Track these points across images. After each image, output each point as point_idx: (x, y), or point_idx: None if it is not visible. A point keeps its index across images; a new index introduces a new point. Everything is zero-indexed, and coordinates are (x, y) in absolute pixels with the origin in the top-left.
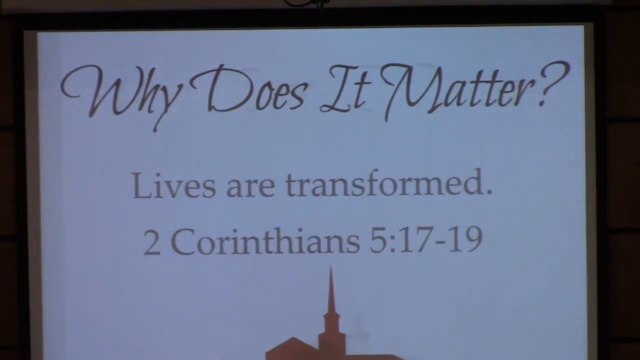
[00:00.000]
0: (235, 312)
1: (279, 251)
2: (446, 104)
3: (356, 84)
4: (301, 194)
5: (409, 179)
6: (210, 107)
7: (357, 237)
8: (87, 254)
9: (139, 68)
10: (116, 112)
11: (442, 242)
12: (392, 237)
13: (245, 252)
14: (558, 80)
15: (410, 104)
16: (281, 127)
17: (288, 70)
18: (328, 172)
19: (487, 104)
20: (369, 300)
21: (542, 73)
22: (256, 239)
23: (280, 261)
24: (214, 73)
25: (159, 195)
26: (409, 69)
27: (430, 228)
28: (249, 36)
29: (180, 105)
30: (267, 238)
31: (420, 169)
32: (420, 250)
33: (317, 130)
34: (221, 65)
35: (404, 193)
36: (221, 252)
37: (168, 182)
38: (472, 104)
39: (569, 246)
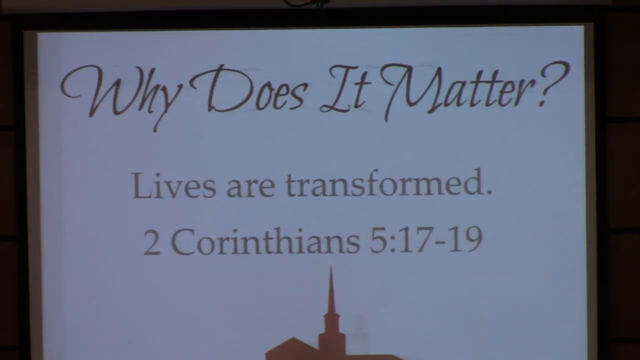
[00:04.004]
0: (235, 312)
1: (279, 251)
2: (446, 104)
3: (356, 84)
4: (301, 194)
5: (409, 179)
6: (210, 107)
7: (357, 237)
8: (87, 254)
9: (139, 68)
10: (116, 112)
11: (442, 242)
12: (392, 237)
13: (245, 252)
14: (558, 80)
15: (410, 104)
16: (281, 127)
17: (288, 70)
18: (328, 172)
19: (487, 104)
20: (369, 300)
21: (542, 73)
22: (256, 239)
23: (280, 261)
24: (214, 73)
25: (159, 196)
26: (409, 69)
27: (430, 228)
28: (249, 36)
29: (180, 105)
30: (267, 238)
31: (420, 169)
32: (420, 250)
33: (317, 130)
34: (221, 66)
35: (404, 193)
36: (221, 252)
37: (168, 182)
38: (472, 104)
39: (569, 246)
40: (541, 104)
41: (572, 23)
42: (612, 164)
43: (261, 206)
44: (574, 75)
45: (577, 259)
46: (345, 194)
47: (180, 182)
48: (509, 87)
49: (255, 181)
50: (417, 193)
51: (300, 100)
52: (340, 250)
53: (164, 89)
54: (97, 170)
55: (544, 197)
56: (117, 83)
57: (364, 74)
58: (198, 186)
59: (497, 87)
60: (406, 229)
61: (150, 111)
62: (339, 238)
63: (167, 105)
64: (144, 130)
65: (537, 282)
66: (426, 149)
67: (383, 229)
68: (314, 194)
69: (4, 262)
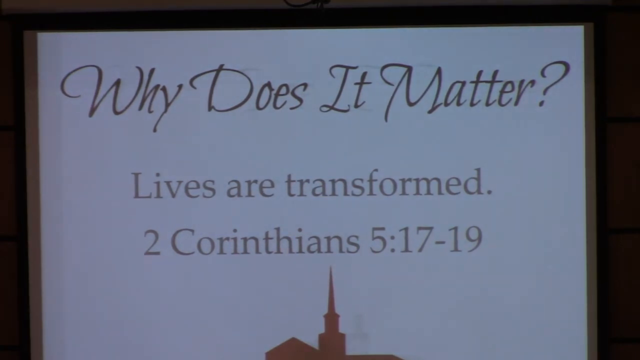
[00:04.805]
0: (235, 312)
1: (278, 251)
2: (446, 104)
3: (356, 84)
4: (301, 194)
5: (409, 179)
6: (210, 107)
7: (357, 237)
8: (87, 254)
9: (139, 68)
10: (116, 112)
11: (442, 242)
12: (392, 237)
13: (245, 252)
14: (558, 80)
15: (410, 104)
16: (281, 127)
17: (288, 70)
18: (328, 172)
19: (487, 104)
20: (369, 300)
21: (542, 73)
22: (256, 239)
23: (280, 261)
24: (214, 73)
25: (159, 196)
26: (409, 69)
27: (430, 228)
28: (249, 36)
29: (180, 105)
30: (267, 238)
31: (420, 169)
32: (420, 250)
33: (317, 130)
34: (221, 66)
35: (404, 193)
36: (221, 252)
37: (168, 182)
38: (472, 104)
39: (569, 246)
40: (541, 104)
41: (572, 23)
42: (612, 164)
43: (261, 206)
44: (574, 75)
45: (577, 259)
46: (345, 194)
47: (180, 182)
48: (509, 87)
49: (255, 181)
50: (417, 193)
51: (300, 100)
52: (340, 250)
53: (164, 89)
54: (97, 170)
55: (544, 197)
56: (117, 83)
57: (364, 74)
58: (198, 186)
59: (497, 87)
60: (406, 229)
61: (150, 111)
62: (339, 238)
63: (167, 105)
64: (144, 130)
65: (537, 282)
66: (426, 149)
67: (383, 229)
68: (314, 194)
69: (4, 262)
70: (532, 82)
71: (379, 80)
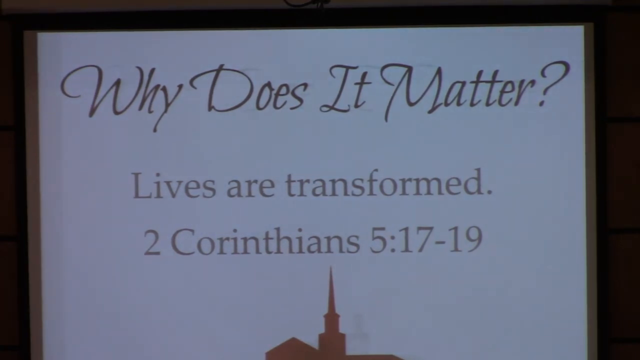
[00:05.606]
0: (235, 312)
1: (279, 251)
2: (446, 104)
3: (356, 84)
4: (301, 194)
5: (409, 179)
6: (210, 107)
7: (357, 237)
8: (87, 254)
9: (139, 68)
10: (116, 112)
11: (442, 242)
12: (392, 237)
13: (245, 252)
14: (558, 80)
15: (410, 104)
16: (281, 127)
17: (288, 70)
18: (328, 172)
19: (487, 104)
20: (369, 300)
21: (542, 73)
22: (256, 239)
23: (280, 261)
24: (214, 73)
25: (159, 196)
26: (409, 69)
27: (430, 228)
28: (249, 36)
29: (180, 105)
30: (267, 238)
31: (420, 169)
32: (420, 250)
33: (317, 130)
34: (221, 66)
35: (404, 193)
36: (221, 252)
37: (168, 182)
38: (472, 104)
39: (569, 246)
40: (541, 104)
41: (572, 23)
42: (612, 163)
43: (261, 206)
44: (574, 75)
45: (577, 259)
46: (345, 194)
47: (180, 182)
48: (509, 87)
49: (255, 181)
50: (417, 193)
51: (300, 100)
52: (340, 250)
53: (164, 89)
54: (97, 170)
55: (544, 197)
56: (117, 83)
57: (364, 74)
58: (198, 186)
59: (497, 87)
60: (406, 229)
61: (150, 111)
62: (339, 238)
63: (167, 105)
64: (144, 130)
65: (537, 282)
66: (426, 149)
67: (383, 229)
68: (314, 194)
69: (4, 262)
70: (532, 82)
71: (379, 80)
